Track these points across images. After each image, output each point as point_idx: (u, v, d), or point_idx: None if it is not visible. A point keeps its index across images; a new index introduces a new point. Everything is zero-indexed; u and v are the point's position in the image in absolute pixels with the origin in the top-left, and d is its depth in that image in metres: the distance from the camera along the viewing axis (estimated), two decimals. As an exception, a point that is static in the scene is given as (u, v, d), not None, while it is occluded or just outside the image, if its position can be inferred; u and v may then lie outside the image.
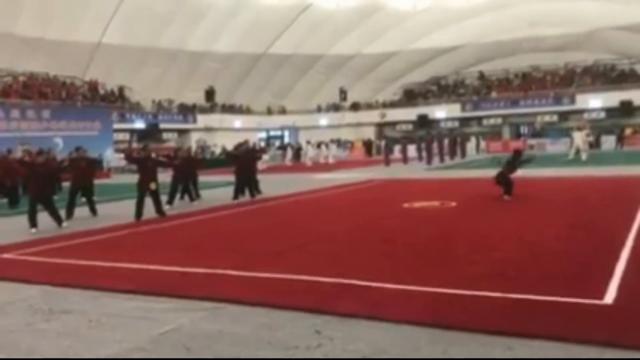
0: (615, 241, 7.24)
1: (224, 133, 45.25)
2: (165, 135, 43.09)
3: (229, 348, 4.27)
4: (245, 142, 18.08)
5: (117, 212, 13.77)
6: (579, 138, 27.35)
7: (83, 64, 37.14)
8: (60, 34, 32.92)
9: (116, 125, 37.77)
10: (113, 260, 7.57)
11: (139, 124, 40.25)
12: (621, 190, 13.62)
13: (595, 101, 42.22)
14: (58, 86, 36.55)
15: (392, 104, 50.89)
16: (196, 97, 44.55)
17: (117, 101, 40.07)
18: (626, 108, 40.41)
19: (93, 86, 38.79)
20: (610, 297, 4.96)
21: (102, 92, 39.53)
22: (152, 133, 40.96)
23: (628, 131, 40.09)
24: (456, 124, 46.66)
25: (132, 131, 40.68)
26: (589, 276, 5.70)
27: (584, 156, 25.72)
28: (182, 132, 44.68)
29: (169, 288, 6.01)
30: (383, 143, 37.66)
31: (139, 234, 10.19)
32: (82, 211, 13.28)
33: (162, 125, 41.82)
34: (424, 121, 46.75)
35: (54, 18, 32.22)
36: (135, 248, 8.78)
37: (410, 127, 48.11)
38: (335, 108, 51.44)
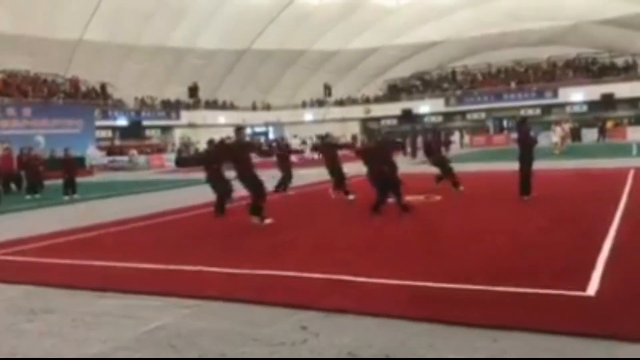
0: (597, 233, 7.31)
1: (208, 129, 45.00)
2: (148, 132, 42.78)
3: (214, 345, 4.25)
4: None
5: (101, 210, 13.64)
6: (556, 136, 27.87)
7: (64, 61, 36.72)
8: (41, 31, 32.49)
9: (98, 123, 37.47)
10: (96, 259, 7.50)
11: (122, 121, 39.93)
12: (604, 182, 13.76)
13: (577, 94, 42.66)
14: (39, 84, 36.12)
15: (377, 99, 50.99)
16: (179, 93, 44.29)
17: (99, 98, 39.69)
18: (607, 101, 40.88)
19: (75, 83, 38.40)
20: (592, 288, 5.01)
21: (83, 89, 39.15)
22: (135, 130, 40.65)
23: (610, 124, 40.55)
24: (440, 118, 46.86)
25: (114, 128, 40.34)
26: (572, 268, 5.75)
27: (557, 151, 26.11)
28: (166, 129, 44.37)
29: (153, 286, 5.97)
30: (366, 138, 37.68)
31: (124, 232, 10.10)
32: (66, 209, 13.14)
33: (145, 122, 41.54)
34: (408, 116, 46.87)
35: (34, 15, 31.78)
36: (120, 246, 8.69)
37: (394, 122, 48.26)
38: (320, 103, 51.41)
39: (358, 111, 50.52)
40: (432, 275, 5.75)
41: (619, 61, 44.66)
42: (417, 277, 5.69)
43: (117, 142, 40.77)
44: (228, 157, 10.66)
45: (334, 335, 4.29)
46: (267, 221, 9.71)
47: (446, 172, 13.44)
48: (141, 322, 4.84)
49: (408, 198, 12.16)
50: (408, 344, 4.07)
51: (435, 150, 14.46)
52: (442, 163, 13.73)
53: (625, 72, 43.49)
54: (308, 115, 50.87)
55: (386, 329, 4.36)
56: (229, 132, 46.19)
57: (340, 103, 51.56)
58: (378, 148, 11.19)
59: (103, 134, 39.05)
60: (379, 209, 10.09)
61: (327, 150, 14.29)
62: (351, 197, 12.64)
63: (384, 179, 10.21)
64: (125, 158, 36.62)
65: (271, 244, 8.10)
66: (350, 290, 5.44)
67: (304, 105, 51.78)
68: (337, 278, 5.82)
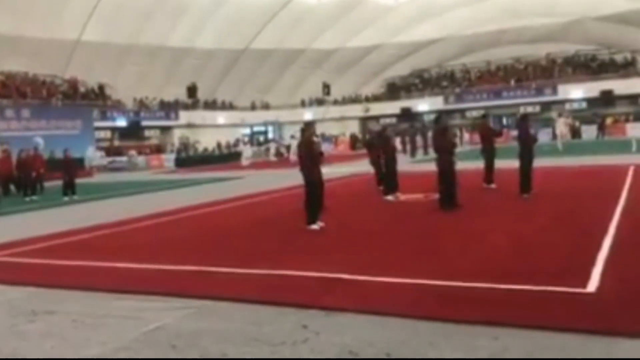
0: (597, 230, 7.30)
1: (207, 129, 45.02)
2: (147, 133, 42.78)
3: (215, 345, 4.25)
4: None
5: (101, 210, 13.64)
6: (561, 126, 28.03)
7: (63, 62, 36.69)
8: (39, 32, 32.43)
9: (97, 124, 37.45)
10: (97, 260, 7.50)
11: (121, 122, 39.91)
12: (604, 179, 13.76)
13: (576, 91, 42.62)
14: (38, 85, 36.11)
15: (376, 98, 50.98)
16: (178, 93, 44.25)
17: (97, 99, 39.68)
18: (607, 98, 40.84)
19: (73, 84, 38.38)
20: (593, 285, 5.01)
21: (82, 90, 39.12)
22: (134, 131, 40.66)
23: (609, 120, 40.52)
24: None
25: (113, 129, 40.33)
26: (573, 266, 5.75)
27: (560, 146, 26.22)
28: (165, 129, 44.36)
29: (154, 286, 5.97)
30: (367, 137, 37.67)
31: (124, 233, 10.10)
32: (66, 210, 13.14)
33: (144, 123, 41.52)
34: (407, 114, 46.86)
35: (32, 16, 31.75)
36: (120, 247, 8.69)
37: (393, 120, 48.23)
38: (319, 102, 51.39)
39: (357, 110, 50.50)
40: (433, 273, 5.75)
41: (618, 58, 44.62)
42: (417, 276, 5.69)
43: (117, 143, 40.78)
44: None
45: (335, 334, 4.29)
46: (314, 226, 8.96)
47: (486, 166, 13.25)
48: (142, 323, 4.84)
49: (409, 197, 12.20)
50: (409, 342, 4.06)
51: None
52: (486, 155, 13.29)
53: (625, 68, 43.47)
54: (307, 115, 50.75)
55: (387, 328, 4.36)
56: (228, 132, 45.94)
57: (340, 102, 51.54)
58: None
59: (102, 134, 39.05)
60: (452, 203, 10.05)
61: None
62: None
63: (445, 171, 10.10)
64: (124, 159, 36.63)
65: (272, 244, 8.10)
66: (351, 289, 5.44)
67: (303, 104, 51.76)
68: (338, 277, 5.83)
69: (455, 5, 40.03)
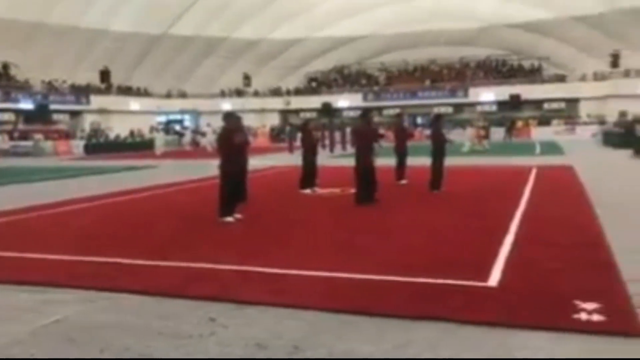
0: (500, 228, 7.65)
1: (120, 116, 43.37)
2: (56, 117, 40.66)
3: (117, 339, 4.08)
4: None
5: (2, 198, 12.83)
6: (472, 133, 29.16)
7: (-38, 38, 34.19)
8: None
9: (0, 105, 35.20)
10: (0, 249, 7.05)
11: (26, 104, 37.68)
12: (509, 179, 14.44)
13: (487, 94, 44.60)
14: None
15: (297, 91, 51.04)
16: (91, 77, 42.33)
17: (1, 79, 37.25)
18: (515, 101, 43.00)
19: (-26, 62, 35.85)
20: (494, 280, 5.24)
21: (-16, 69, 36.64)
22: (41, 114, 38.52)
23: (520, 123, 42.67)
24: (358, 113, 47.48)
25: (18, 111, 38.03)
26: (477, 261, 5.98)
27: (466, 147, 27.32)
28: (75, 114, 42.33)
29: (58, 278, 5.67)
30: (287, 130, 37.65)
31: (28, 221, 9.54)
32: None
33: (53, 106, 39.39)
34: (327, 109, 47.24)
35: None
36: (24, 236, 8.19)
37: (314, 115, 48.49)
38: (239, 93, 50.80)
39: (278, 102, 50.38)
40: (347, 266, 5.80)
41: (526, 64, 47.12)
42: (331, 269, 5.73)
43: (21, 127, 38.50)
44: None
45: (244, 327, 4.24)
46: (229, 219, 8.80)
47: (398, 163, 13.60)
48: (41, 316, 4.59)
49: (325, 191, 12.28)
50: (318, 335, 4.08)
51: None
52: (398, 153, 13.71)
53: (532, 74, 45.98)
54: (226, 105, 50.02)
55: (298, 320, 4.36)
56: (142, 119, 44.51)
57: (260, 94, 51.19)
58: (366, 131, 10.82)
59: (5, 117, 36.77)
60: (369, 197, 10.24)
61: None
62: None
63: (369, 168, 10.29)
64: (29, 143, 34.70)
65: (184, 235, 7.92)
66: (263, 281, 5.40)
67: (222, 94, 50.97)
68: (250, 269, 5.77)
69: (379, 4, 40.70)
